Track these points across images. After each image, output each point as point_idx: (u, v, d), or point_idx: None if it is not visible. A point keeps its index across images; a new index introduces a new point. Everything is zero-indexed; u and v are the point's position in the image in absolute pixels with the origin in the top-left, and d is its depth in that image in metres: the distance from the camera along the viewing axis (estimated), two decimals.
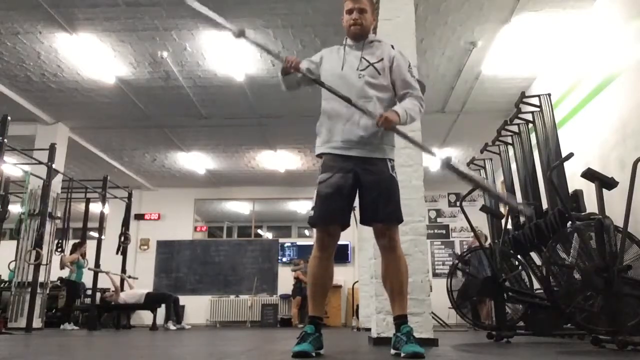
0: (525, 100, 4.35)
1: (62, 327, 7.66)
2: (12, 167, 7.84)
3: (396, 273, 2.37)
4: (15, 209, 7.86)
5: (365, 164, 2.36)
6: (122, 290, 8.62)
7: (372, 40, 2.55)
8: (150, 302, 8.42)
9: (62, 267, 7.96)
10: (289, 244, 12.02)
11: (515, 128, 4.70)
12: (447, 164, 2.26)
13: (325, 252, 2.38)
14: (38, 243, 6.85)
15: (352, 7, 2.50)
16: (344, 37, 2.61)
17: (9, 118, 6.06)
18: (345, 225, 2.39)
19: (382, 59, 2.46)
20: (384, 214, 2.35)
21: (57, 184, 7.89)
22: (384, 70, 2.45)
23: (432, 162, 9.86)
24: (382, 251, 2.43)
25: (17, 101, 7.36)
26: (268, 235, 14.66)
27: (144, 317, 10.19)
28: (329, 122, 2.44)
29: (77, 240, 8.40)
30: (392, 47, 2.53)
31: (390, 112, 2.31)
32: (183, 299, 9.37)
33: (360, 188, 2.37)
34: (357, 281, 9.38)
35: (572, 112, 5.67)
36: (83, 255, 8.17)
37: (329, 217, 2.35)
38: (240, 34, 2.47)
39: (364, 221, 2.43)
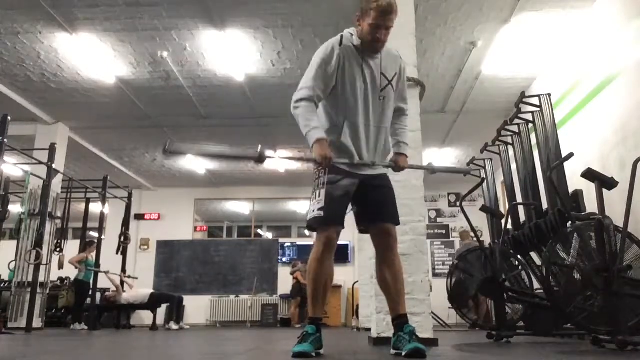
0: (525, 100, 4.35)
1: (72, 327, 7.65)
2: (12, 167, 7.84)
3: (397, 273, 2.39)
4: (15, 209, 7.85)
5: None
6: (122, 290, 8.63)
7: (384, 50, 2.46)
8: (155, 302, 8.43)
9: (60, 266, 7.94)
10: (289, 244, 12.03)
11: (515, 128, 4.70)
12: (433, 170, 2.57)
13: (331, 253, 2.37)
14: (38, 243, 6.84)
15: (381, 24, 2.30)
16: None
17: (9, 118, 6.05)
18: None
19: (395, 74, 2.46)
20: (391, 215, 2.42)
21: (57, 184, 7.89)
22: (396, 86, 2.47)
23: (432, 163, 9.86)
24: (382, 251, 2.43)
25: (17, 101, 7.36)
26: (268, 235, 14.66)
27: (144, 317, 10.18)
28: (347, 141, 2.35)
29: (87, 240, 8.40)
30: (400, 56, 2.53)
31: (403, 160, 2.50)
32: (184, 299, 9.37)
33: (366, 192, 2.40)
34: (357, 281, 9.38)
35: (572, 112, 5.67)
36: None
37: (340, 217, 2.35)
38: (261, 158, 2.27)
39: (370, 221, 2.43)
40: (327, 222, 2.31)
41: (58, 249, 7.97)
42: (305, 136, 2.30)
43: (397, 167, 2.48)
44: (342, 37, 2.40)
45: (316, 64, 2.36)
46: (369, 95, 2.37)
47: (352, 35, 2.39)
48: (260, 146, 2.26)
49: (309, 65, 2.42)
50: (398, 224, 2.45)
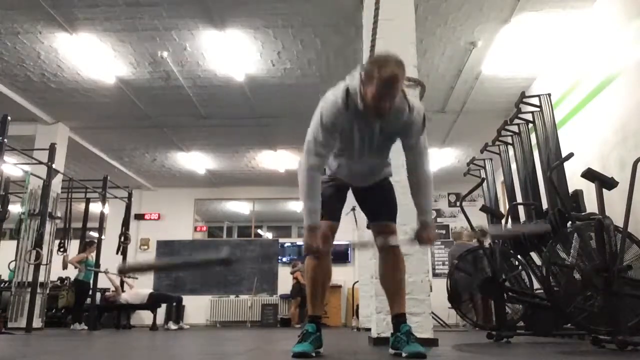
0: (525, 100, 4.35)
1: (72, 327, 7.65)
2: (12, 167, 7.83)
3: (397, 271, 2.41)
4: (15, 209, 7.85)
5: None
6: (122, 290, 8.63)
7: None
8: (154, 302, 8.44)
9: (64, 266, 7.95)
10: (289, 244, 12.02)
11: (515, 128, 4.70)
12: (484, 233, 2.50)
13: (326, 250, 2.38)
14: (38, 243, 6.84)
15: (386, 93, 2.02)
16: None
17: (9, 118, 6.05)
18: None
19: (398, 130, 2.24)
20: (390, 213, 2.46)
21: (57, 184, 7.88)
22: (398, 136, 2.29)
23: (432, 163, 9.88)
24: (384, 248, 2.44)
25: (17, 101, 7.35)
26: (268, 235, 14.66)
27: (144, 317, 10.18)
28: (341, 170, 2.41)
29: (87, 240, 8.41)
30: (408, 106, 2.18)
31: (428, 231, 2.31)
32: (183, 299, 9.37)
33: (366, 191, 2.46)
34: (357, 281, 9.36)
35: (572, 112, 5.67)
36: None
37: (332, 213, 2.40)
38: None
39: (370, 220, 2.49)
40: (322, 217, 2.34)
41: (62, 249, 7.97)
42: (301, 209, 2.27)
43: (423, 241, 2.32)
44: (347, 95, 2.14)
45: (322, 126, 2.16)
46: (365, 148, 2.27)
47: (357, 94, 2.13)
48: (225, 252, 2.17)
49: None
50: (395, 221, 2.47)
